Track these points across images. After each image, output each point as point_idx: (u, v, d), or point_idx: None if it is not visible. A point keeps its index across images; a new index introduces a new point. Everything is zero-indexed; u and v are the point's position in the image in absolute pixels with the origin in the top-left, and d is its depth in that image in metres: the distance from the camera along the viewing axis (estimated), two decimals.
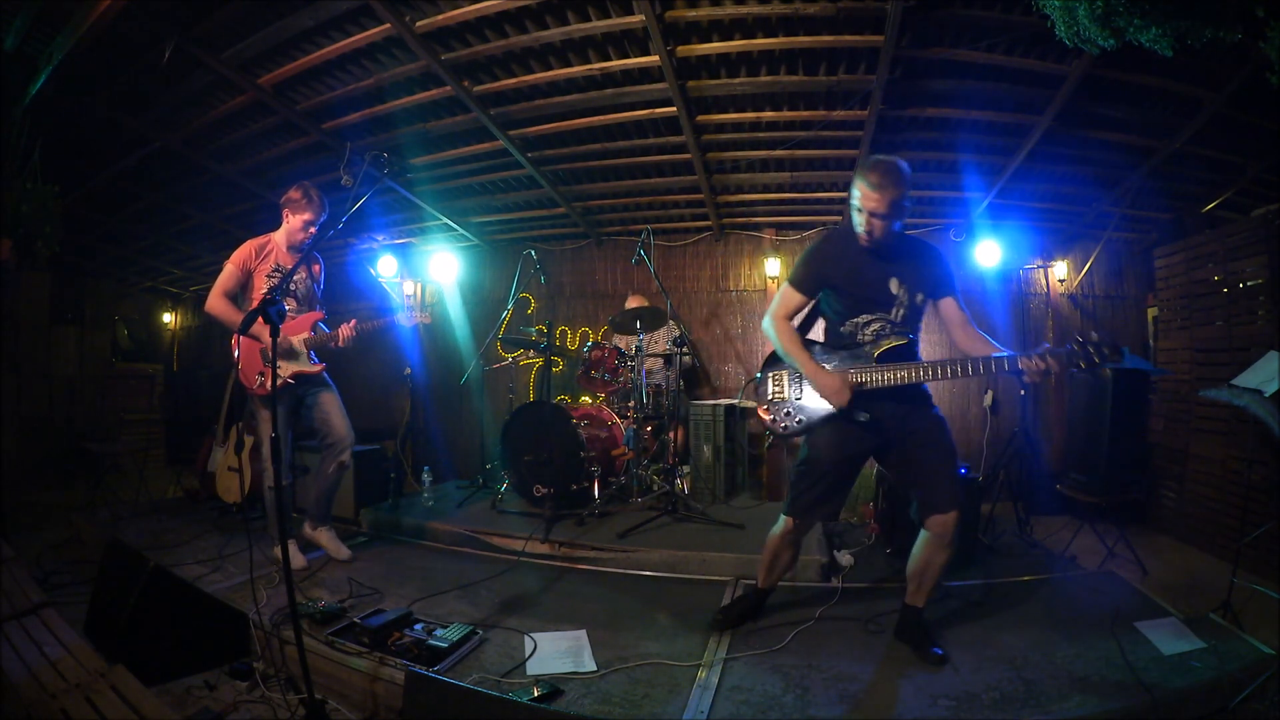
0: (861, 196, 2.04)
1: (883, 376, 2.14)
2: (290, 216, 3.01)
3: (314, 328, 3.02)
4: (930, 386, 2.28)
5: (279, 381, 2.93)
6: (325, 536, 3.18)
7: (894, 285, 2.17)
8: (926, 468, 2.18)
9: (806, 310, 2.38)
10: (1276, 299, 3.21)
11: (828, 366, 2.21)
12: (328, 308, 3.24)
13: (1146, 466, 4.04)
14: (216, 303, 2.89)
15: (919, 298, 2.19)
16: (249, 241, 3.00)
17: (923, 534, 2.21)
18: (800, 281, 2.27)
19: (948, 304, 2.22)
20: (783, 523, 2.35)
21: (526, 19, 3.20)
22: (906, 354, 2.20)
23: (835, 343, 2.28)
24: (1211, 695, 1.96)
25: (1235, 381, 2.63)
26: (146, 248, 6.40)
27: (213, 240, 6.08)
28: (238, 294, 2.96)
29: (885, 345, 2.16)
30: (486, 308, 6.13)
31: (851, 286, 2.20)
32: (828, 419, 2.23)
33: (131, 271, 7.09)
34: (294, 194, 2.99)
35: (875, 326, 2.20)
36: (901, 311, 2.18)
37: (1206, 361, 3.70)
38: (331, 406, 3.07)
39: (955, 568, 3.14)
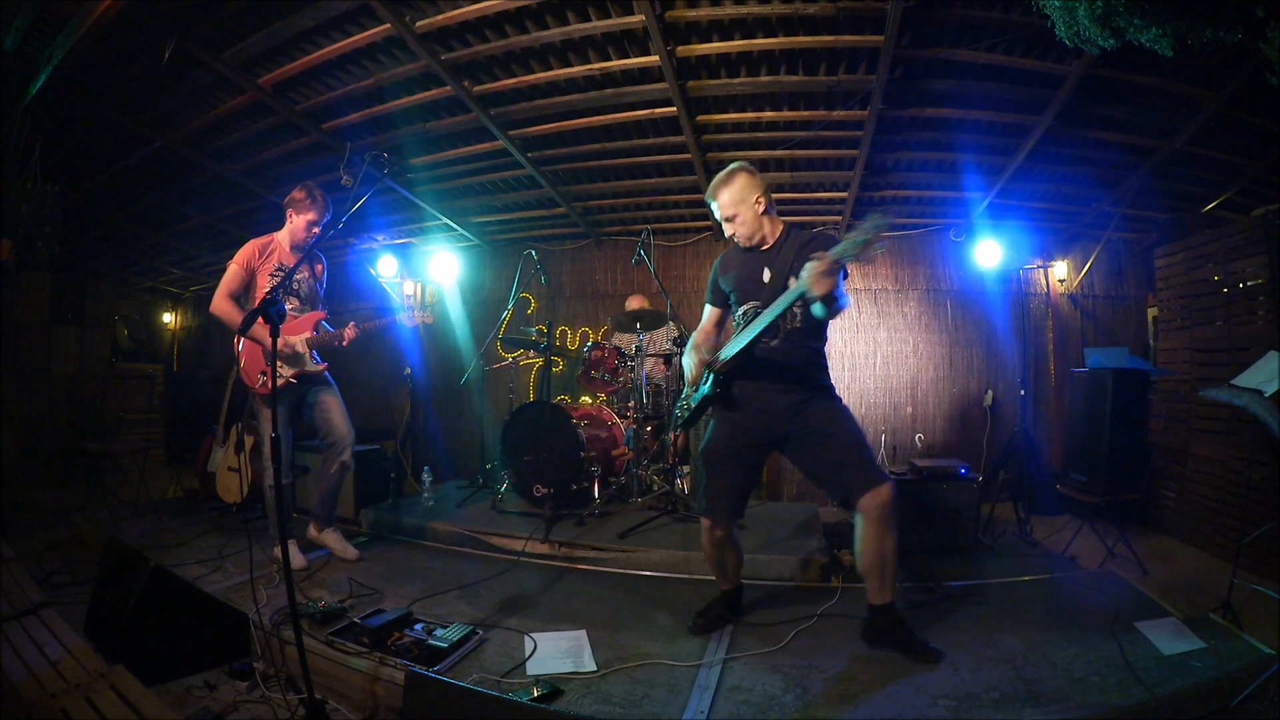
0: (717, 209, 2.30)
1: (729, 349, 2.22)
2: (294, 216, 3.00)
3: (316, 327, 3.02)
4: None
5: (281, 381, 2.93)
6: (332, 538, 3.18)
7: (765, 274, 2.25)
8: (827, 458, 2.18)
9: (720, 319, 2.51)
10: (1276, 299, 3.21)
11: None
12: (329, 308, 3.24)
13: (1146, 466, 4.03)
14: (221, 304, 2.89)
15: (790, 279, 2.11)
16: (251, 241, 3.00)
17: (859, 521, 2.13)
18: (708, 296, 2.50)
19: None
20: (702, 523, 2.37)
21: (526, 19, 3.20)
22: (792, 338, 2.23)
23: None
24: (1211, 695, 1.96)
25: (1235, 381, 2.63)
26: (146, 248, 6.40)
27: (213, 240, 6.08)
28: (241, 294, 2.95)
29: (742, 318, 2.26)
30: (486, 308, 6.13)
31: (736, 285, 2.34)
32: (703, 405, 2.33)
33: (131, 271, 7.08)
34: (298, 194, 2.99)
35: (749, 310, 2.26)
36: (767, 293, 2.20)
37: (1206, 361, 3.70)
38: (333, 406, 3.07)
39: (955, 568, 3.16)
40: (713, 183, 2.30)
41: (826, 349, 2.35)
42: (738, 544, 2.46)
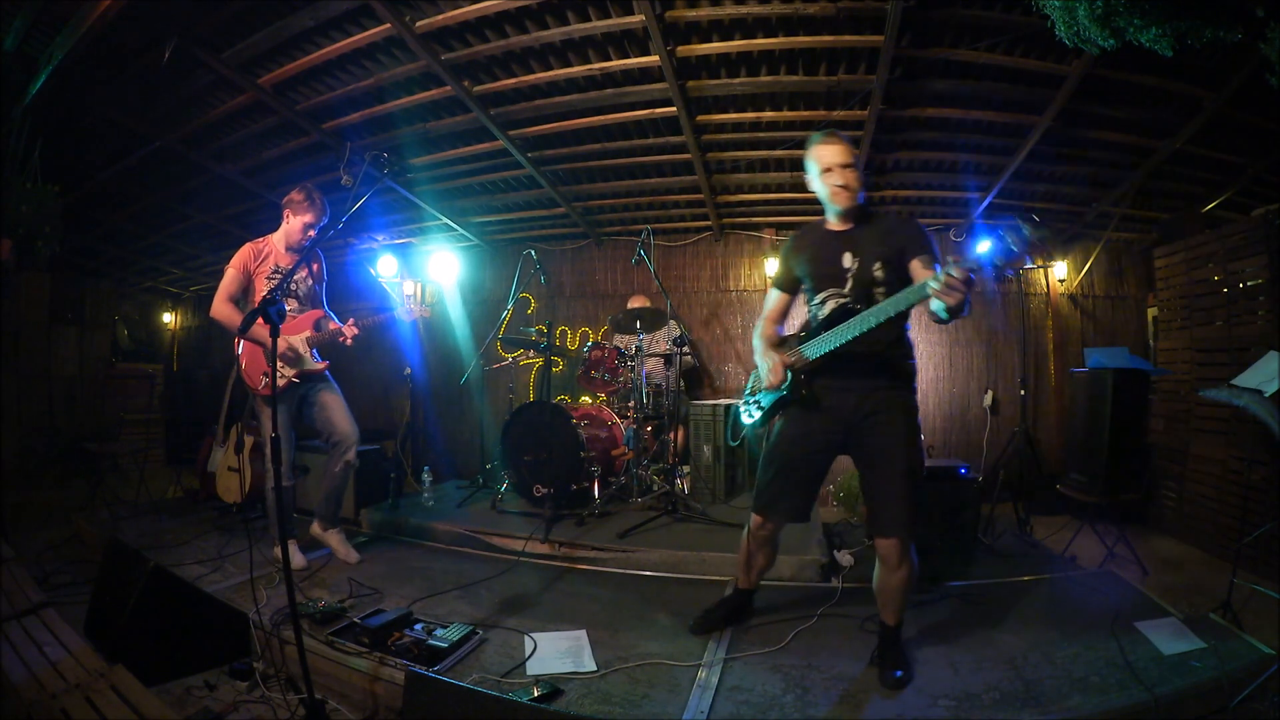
0: (832, 157, 2.09)
1: (815, 348, 2.07)
2: (291, 218, 3.00)
3: (316, 325, 3.02)
4: (917, 377, 2.20)
5: (283, 381, 2.93)
6: (335, 539, 3.18)
7: (847, 259, 2.08)
8: (874, 478, 2.07)
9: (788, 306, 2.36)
10: (1276, 299, 3.21)
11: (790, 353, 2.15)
12: (330, 308, 3.24)
13: (1146, 466, 4.03)
14: (221, 308, 2.88)
15: (876, 266, 2.03)
16: (247, 245, 2.99)
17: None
18: (776, 279, 2.33)
19: (915, 266, 2.02)
20: (751, 519, 2.30)
21: (526, 19, 3.20)
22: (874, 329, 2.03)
23: (807, 330, 2.20)
24: (1211, 695, 1.96)
25: (1235, 381, 2.63)
26: (146, 248, 6.39)
27: (213, 240, 6.08)
28: (240, 298, 2.95)
29: (828, 313, 2.07)
30: (486, 308, 6.13)
31: (812, 269, 2.17)
32: (776, 406, 2.21)
33: (131, 271, 7.08)
34: (296, 195, 2.99)
35: (831, 304, 2.10)
36: (852, 283, 2.07)
37: (1206, 361, 3.70)
38: (335, 405, 3.07)
39: (955, 568, 3.16)
40: (817, 138, 2.13)
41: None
42: (777, 547, 2.38)
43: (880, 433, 2.05)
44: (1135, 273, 5.15)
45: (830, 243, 2.14)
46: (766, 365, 2.15)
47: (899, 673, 2.05)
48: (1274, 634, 2.19)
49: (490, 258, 6.27)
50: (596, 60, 3.48)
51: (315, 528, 3.20)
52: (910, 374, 2.13)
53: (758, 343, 2.24)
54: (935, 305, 1.83)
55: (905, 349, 2.13)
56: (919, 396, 2.21)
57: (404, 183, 4.84)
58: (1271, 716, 1.88)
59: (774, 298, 2.32)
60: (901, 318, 2.01)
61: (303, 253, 2.96)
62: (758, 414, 2.28)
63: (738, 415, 2.41)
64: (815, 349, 2.08)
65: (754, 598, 2.53)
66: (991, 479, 4.18)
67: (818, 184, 2.15)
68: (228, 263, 2.97)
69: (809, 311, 2.22)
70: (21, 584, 2.57)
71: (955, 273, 1.69)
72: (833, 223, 2.18)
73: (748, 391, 2.36)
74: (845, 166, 2.07)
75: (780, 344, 2.22)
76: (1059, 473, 4.36)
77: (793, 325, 2.40)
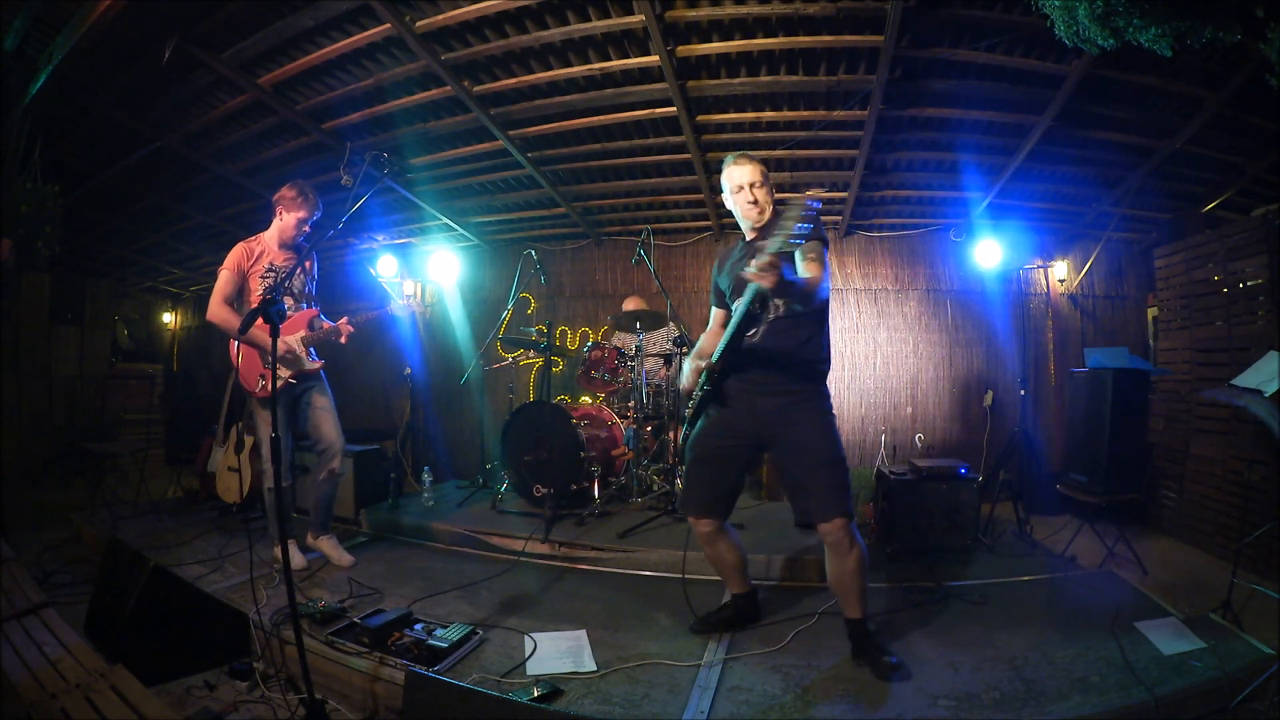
0: (741, 176, 2.23)
1: (718, 349, 2.15)
2: (284, 214, 2.99)
3: (311, 324, 3.01)
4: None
5: (280, 382, 2.93)
6: (327, 544, 3.17)
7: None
8: (793, 476, 2.16)
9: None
10: (1276, 299, 3.21)
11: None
12: (327, 307, 3.24)
13: (1146, 466, 4.03)
14: (218, 310, 2.85)
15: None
16: (238, 245, 2.96)
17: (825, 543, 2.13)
18: (711, 295, 2.45)
19: (799, 261, 2.06)
20: (691, 525, 2.36)
21: (526, 19, 3.20)
22: (775, 330, 2.14)
23: None
24: (1211, 695, 1.96)
25: (1235, 381, 2.63)
26: (146, 248, 6.40)
27: (213, 240, 6.07)
28: (235, 299, 2.92)
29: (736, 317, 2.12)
30: (486, 308, 6.13)
31: (728, 280, 2.28)
32: (700, 408, 2.29)
33: (131, 271, 7.08)
34: (288, 191, 2.98)
35: (739, 309, 2.16)
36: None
37: (1206, 361, 3.70)
38: (323, 412, 3.05)
39: (955, 568, 3.16)
40: (729, 159, 2.27)
41: (828, 337, 2.25)
42: (735, 543, 2.39)
43: (798, 430, 2.13)
44: (1135, 273, 5.15)
45: (741, 253, 2.28)
46: (687, 369, 2.29)
47: (894, 658, 2.08)
48: (1274, 634, 2.19)
49: (490, 258, 6.27)
50: (596, 60, 3.48)
51: (308, 537, 3.19)
52: (820, 376, 2.22)
53: (690, 355, 2.34)
54: (792, 301, 1.96)
55: (815, 354, 2.19)
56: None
57: (404, 183, 4.84)
58: (1271, 716, 1.88)
59: (712, 314, 2.47)
60: (801, 323, 2.13)
61: (299, 249, 2.94)
62: (684, 416, 2.42)
63: (684, 418, 2.53)
64: (717, 349, 2.18)
65: (755, 600, 2.51)
66: (991, 479, 4.18)
67: (730, 201, 2.29)
68: (220, 266, 2.94)
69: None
70: (21, 584, 2.56)
71: (759, 259, 1.73)
72: (748, 234, 2.31)
73: (690, 400, 2.42)
74: (754, 185, 2.21)
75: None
76: (1059, 473, 4.36)
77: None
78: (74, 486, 4.96)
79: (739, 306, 2.05)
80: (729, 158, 2.29)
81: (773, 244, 1.74)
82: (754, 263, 1.73)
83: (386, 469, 4.27)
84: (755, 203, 2.21)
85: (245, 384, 3.00)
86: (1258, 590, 2.56)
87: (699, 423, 2.32)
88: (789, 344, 2.14)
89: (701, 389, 2.26)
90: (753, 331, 2.16)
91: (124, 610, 2.17)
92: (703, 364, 2.22)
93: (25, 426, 5.03)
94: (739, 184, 2.23)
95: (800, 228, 1.70)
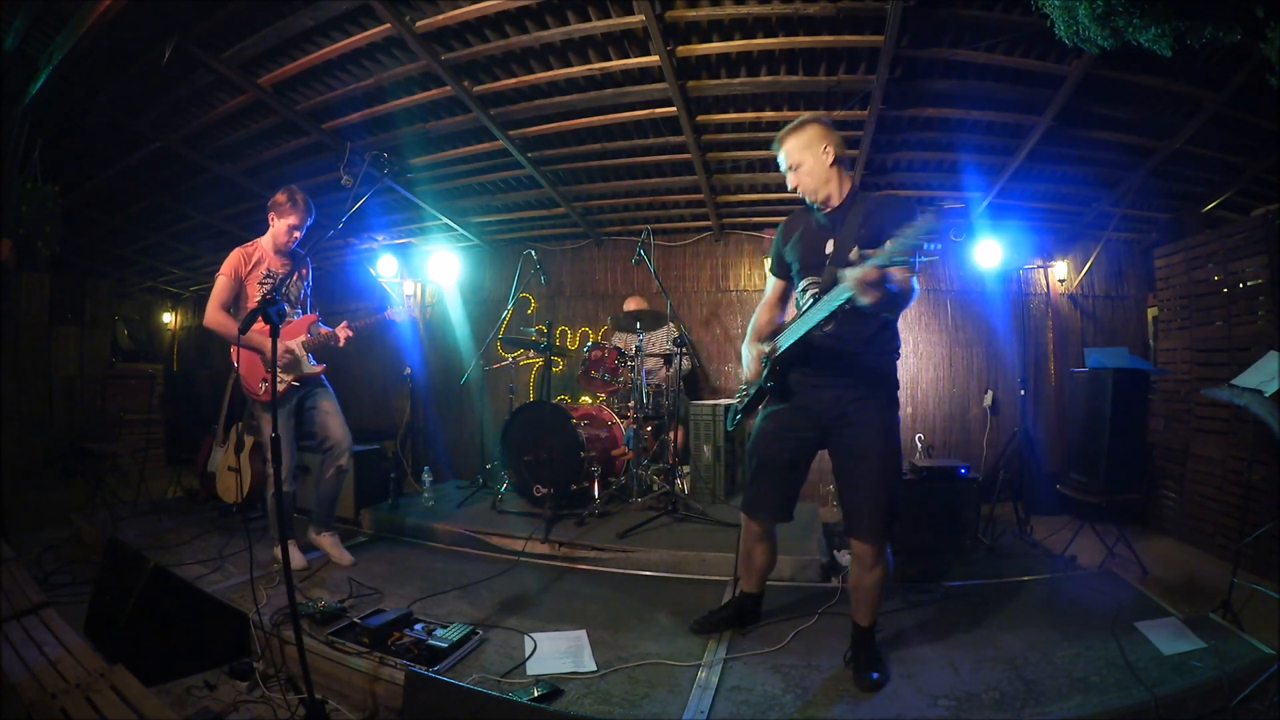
0: (784, 158, 2.08)
1: (786, 338, 2.04)
2: (276, 220, 2.97)
3: (310, 329, 3.01)
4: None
5: (282, 386, 2.92)
6: (328, 542, 3.17)
7: (829, 245, 2.02)
8: (849, 483, 2.06)
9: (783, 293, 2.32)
10: (1276, 299, 3.21)
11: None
12: (327, 309, 3.24)
13: (1146, 466, 4.04)
14: (215, 315, 2.84)
15: (853, 253, 1.80)
16: (236, 250, 2.95)
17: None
18: (771, 264, 2.29)
19: None
20: (743, 520, 2.32)
21: (526, 19, 3.20)
22: (838, 319, 1.95)
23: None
24: (1211, 695, 1.96)
25: (1235, 381, 2.63)
26: (146, 248, 6.40)
27: (213, 240, 6.08)
28: (232, 305, 2.91)
29: (806, 302, 2.01)
30: (486, 308, 6.13)
31: (799, 254, 2.13)
32: (757, 397, 2.20)
33: (131, 271, 7.09)
34: (280, 198, 2.96)
35: (810, 293, 2.04)
36: (829, 270, 1.97)
37: (1206, 361, 3.70)
38: (330, 411, 3.05)
39: (955, 568, 3.16)
40: (781, 131, 2.10)
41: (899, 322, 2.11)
42: (774, 545, 2.35)
43: (854, 437, 2.03)
44: (1135, 273, 5.15)
45: (816, 227, 2.12)
46: (749, 355, 2.17)
47: (875, 674, 2.03)
48: (1274, 634, 2.19)
49: (490, 258, 6.27)
50: (596, 60, 3.48)
51: (310, 533, 3.19)
52: (889, 373, 2.08)
53: (749, 332, 2.24)
54: (861, 304, 1.75)
55: (885, 345, 2.07)
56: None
57: (404, 183, 4.84)
58: (1272, 717, 1.88)
59: (770, 284, 2.31)
60: (870, 314, 1.93)
61: (294, 255, 2.94)
62: (743, 404, 2.28)
63: (730, 409, 2.42)
64: (786, 339, 2.06)
65: (760, 602, 2.49)
66: (991, 479, 4.18)
67: (789, 180, 2.13)
68: (218, 271, 2.93)
69: (796, 300, 2.16)
70: (21, 584, 2.56)
71: (860, 270, 1.66)
72: (821, 208, 2.12)
73: (741, 387, 2.35)
74: (793, 169, 2.07)
75: (775, 332, 2.19)
76: (1059, 473, 4.36)
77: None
78: (74, 486, 4.95)
79: (821, 306, 1.89)
80: (777, 138, 2.12)
81: (881, 256, 1.61)
82: (855, 275, 1.66)
83: (386, 469, 4.27)
84: (799, 187, 2.07)
85: (247, 388, 2.99)
86: (1258, 590, 2.55)
87: (759, 421, 2.21)
88: (861, 334, 2.02)
89: (759, 381, 2.14)
90: (828, 324, 1.97)
91: (124, 610, 2.16)
92: (765, 349, 2.11)
93: (25, 426, 5.02)
94: (784, 169, 2.10)
95: (930, 247, 1.55)
